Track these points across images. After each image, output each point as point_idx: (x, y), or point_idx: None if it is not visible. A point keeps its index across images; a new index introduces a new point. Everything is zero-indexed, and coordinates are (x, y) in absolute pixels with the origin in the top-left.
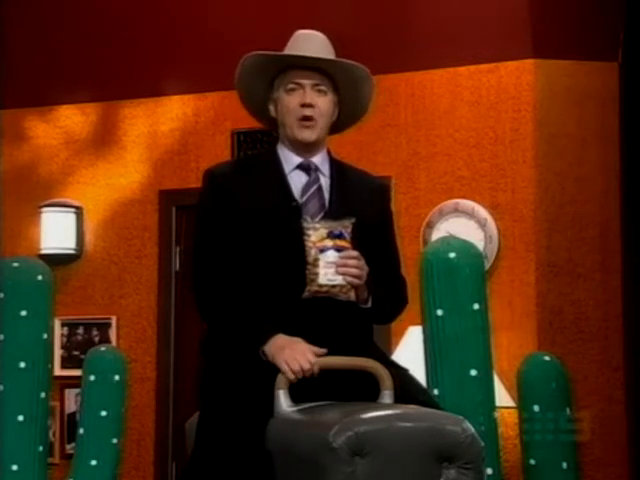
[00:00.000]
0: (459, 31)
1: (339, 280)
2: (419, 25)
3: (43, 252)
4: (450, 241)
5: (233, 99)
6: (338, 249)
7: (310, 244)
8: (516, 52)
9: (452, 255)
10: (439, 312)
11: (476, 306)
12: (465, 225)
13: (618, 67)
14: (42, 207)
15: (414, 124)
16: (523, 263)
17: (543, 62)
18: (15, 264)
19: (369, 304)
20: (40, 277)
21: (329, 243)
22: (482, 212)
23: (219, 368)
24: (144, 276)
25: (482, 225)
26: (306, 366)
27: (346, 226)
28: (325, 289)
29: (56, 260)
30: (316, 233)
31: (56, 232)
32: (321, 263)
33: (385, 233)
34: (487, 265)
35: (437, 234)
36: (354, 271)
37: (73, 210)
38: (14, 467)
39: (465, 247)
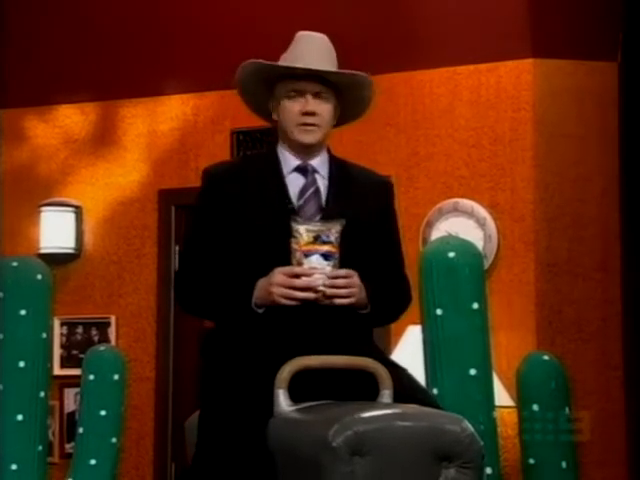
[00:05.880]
0: (458, 30)
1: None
2: (418, 25)
3: (42, 251)
4: (449, 240)
5: (232, 98)
6: (324, 254)
7: (296, 246)
8: (515, 51)
9: (451, 254)
10: (438, 311)
11: (475, 305)
12: (464, 224)
13: (617, 67)
14: (41, 206)
15: (413, 124)
16: (522, 262)
17: (542, 62)
18: (14, 263)
19: (368, 309)
20: (39, 276)
21: (315, 247)
22: (481, 211)
23: (218, 368)
24: (143, 275)
25: (481, 224)
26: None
27: (336, 230)
28: None
29: (55, 259)
30: (303, 236)
31: (55, 231)
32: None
33: (387, 231)
34: (486, 264)
35: (436, 233)
36: (342, 292)
37: (72, 209)
38: (13, 466)
39: (464, 246)
